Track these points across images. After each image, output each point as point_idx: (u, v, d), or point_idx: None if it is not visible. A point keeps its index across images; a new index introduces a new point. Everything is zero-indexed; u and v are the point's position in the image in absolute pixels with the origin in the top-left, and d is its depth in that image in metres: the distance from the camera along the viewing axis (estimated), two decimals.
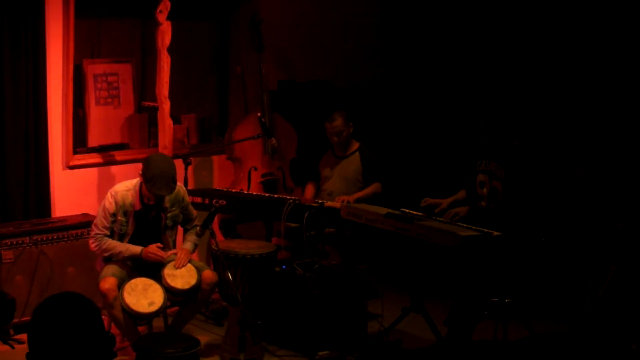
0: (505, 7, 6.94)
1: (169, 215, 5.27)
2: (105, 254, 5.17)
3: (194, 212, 5.45)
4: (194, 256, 5.54)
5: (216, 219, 5.91)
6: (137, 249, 5.14)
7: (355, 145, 6.26)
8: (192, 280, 5.11)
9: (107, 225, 5.15)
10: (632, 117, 6.27)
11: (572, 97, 6.57)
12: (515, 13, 6.87)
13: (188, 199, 5.41)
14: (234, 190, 6.26)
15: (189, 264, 5.20)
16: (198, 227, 5.13)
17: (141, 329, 5.25)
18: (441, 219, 5.29)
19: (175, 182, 5.12)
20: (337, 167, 6.25)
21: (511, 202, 5.22)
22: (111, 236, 5.17)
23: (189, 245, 5.31)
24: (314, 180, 6.36)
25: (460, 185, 5.61)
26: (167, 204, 5.23)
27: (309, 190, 6.30)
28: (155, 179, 5.00)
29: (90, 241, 5.21)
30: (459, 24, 7.28)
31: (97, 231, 5.16)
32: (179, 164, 5.59)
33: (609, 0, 6.43)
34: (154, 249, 5.15)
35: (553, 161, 6.50)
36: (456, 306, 5.32)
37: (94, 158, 6.37)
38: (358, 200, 5.83)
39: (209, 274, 5.18)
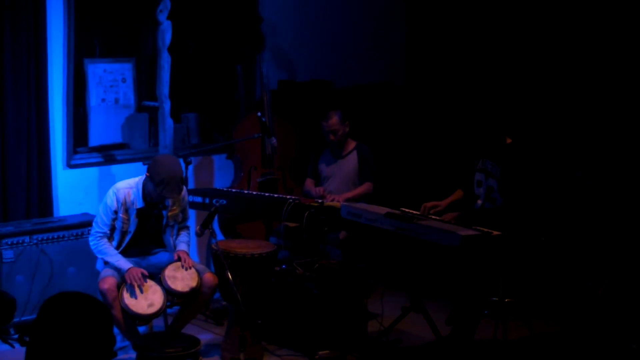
0: (500, 4, 6.94)
1: (170, 214, 5.27)
2: (99, 256, 5.19)
3: (188, 214, 5.45)
4: (194, 258, 5.53)
5: (216, 218, 5.92)
6: (125, 265, 5.08)
7: (352, 145, 6.27)
8: (193, 283, 5.10)
9: (108, 223, 5.15)
10: (631, 115, 6.27)
11: (572, 95, 6.57)
12: (510, 10, 6.87)
13: (187, 199, 5.42)
14: (234, 190, 6.26)
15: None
16: (196, 227, 5.13)
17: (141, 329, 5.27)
18: (436, 217, 5.31)
19: (183, 183, 5.13)
20: (336, 167, 6.26)
21: (506, 200, 5.22)
22: (112, 234, 5.19)
23: (184, 247, 5.29)
24: (312, 177, 6.38)
25: (457, 184, 5.60)
26: (170, 202, 5.23)
27: (309, 183, 6.32)
28: (166, 183, 5.00)
29: (90, 239, 5.22)
30: (454, 23, 7.29)
31: (97, 229, 5.17)
32: None
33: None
34: (138, 273, 5.02)
35: (552, 160, 6.49)
36: (457, 306, 5.32)
37: (95, 157, 6.38)
38: (347, 200, 5.85)
39: (209, 277, 5.17)
